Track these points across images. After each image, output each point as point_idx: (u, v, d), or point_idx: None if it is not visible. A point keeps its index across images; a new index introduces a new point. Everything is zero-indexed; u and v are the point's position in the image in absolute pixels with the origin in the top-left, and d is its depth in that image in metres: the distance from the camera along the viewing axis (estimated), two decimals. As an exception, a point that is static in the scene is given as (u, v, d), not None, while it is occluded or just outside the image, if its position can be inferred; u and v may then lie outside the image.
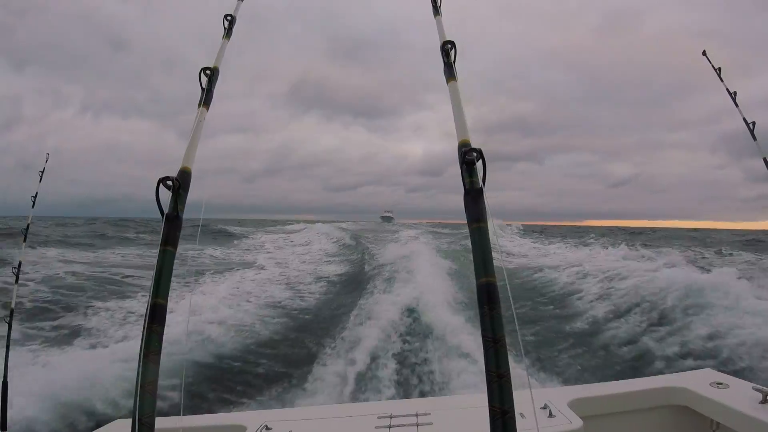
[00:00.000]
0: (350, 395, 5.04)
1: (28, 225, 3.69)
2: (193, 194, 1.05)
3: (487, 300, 0.81)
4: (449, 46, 1.26)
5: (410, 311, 7.50)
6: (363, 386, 5.25)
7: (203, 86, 1.24)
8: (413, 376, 5.52)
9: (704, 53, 3.14)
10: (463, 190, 0.95)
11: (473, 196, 0.92)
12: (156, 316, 0.88)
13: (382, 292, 9.63)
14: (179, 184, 1.00)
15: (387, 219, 69.12)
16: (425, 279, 10.16)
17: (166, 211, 0.97)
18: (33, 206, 3.67)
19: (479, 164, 0.95)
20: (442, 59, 1.27)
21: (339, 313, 8.59)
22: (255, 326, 7.70)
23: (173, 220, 0.97)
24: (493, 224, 0.91)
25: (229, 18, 1.50)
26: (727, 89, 3.05)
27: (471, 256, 0.88)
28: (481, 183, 0.93)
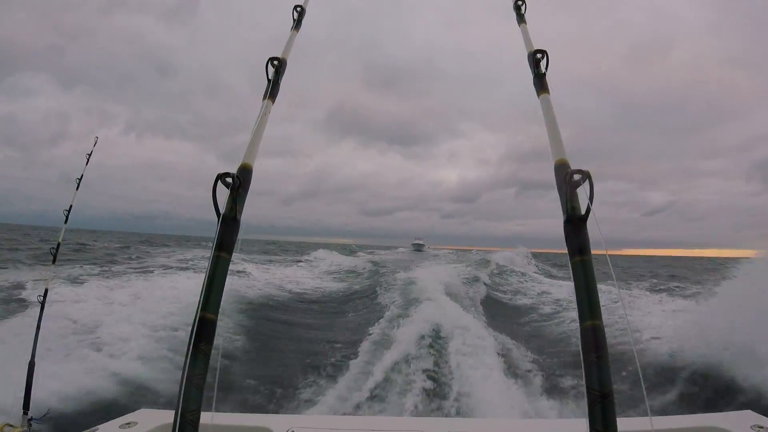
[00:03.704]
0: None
1: (67, 219, 3.50)
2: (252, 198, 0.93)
3: (594, 346, 0.67)
4: (540, 55, 1.13)
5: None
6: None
7: (270, 77, 1.13)
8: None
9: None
10: (563, 217, 0.81)
11: (575, 224, 0.78)
12: (203, 335, 0.76)
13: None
14: (239, 182, 0.87)
15: (418, 247, 67.40)
16: None
17: (222, 211, 0.85)
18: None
19: (582, 188, 0.82)
20: (530, 70, 1.14)
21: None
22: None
23: (230, 222, 0.85)
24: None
25: (298, 9, 1.41)
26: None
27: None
28: (584, 210, 0.80)
